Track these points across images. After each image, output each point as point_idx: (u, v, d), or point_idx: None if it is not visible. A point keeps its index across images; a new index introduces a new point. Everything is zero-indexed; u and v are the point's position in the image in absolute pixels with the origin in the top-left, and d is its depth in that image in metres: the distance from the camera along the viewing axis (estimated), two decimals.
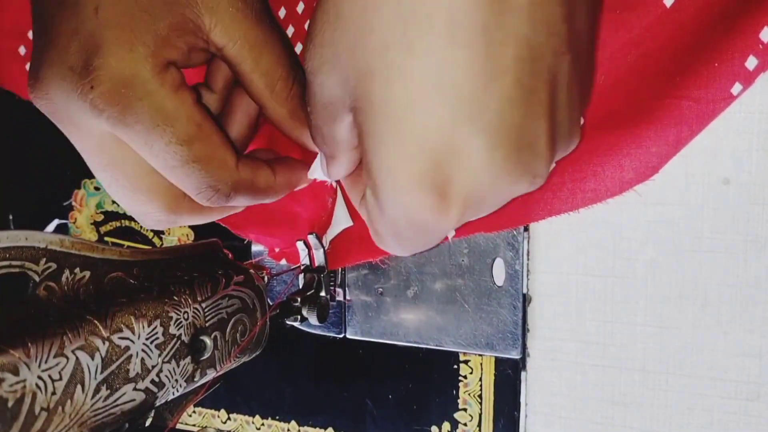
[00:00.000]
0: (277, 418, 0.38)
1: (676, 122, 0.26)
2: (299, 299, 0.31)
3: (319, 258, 0.32)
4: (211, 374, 0.24)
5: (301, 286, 0.32)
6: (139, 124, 0.25)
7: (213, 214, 0.30)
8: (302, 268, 0.33)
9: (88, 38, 0.25)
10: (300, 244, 0.32)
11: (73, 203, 0.42)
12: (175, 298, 0.22)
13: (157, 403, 0.22)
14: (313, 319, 0.31)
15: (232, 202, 0.28)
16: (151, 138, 0.25)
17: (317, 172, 0.31)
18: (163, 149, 0.26)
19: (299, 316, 0.31)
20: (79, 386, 0.18)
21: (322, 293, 0.32)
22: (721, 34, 0.25)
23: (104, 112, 0.25)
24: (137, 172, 0.27)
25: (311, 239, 0.32)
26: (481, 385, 0.33)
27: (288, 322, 0.32)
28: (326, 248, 0.33)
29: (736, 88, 0.25)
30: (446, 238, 0.30)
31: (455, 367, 0.33)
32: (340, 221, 0.33)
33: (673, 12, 0.26)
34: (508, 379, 0.32)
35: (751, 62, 0.24)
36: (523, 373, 0.32)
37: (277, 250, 0.35)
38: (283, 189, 0.31)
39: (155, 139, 0.25)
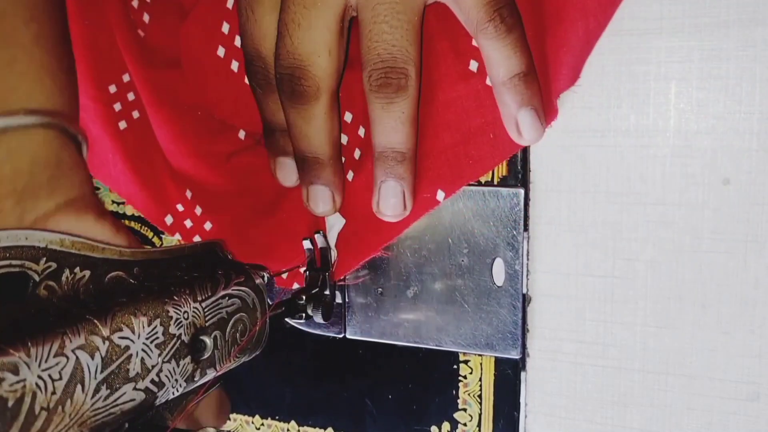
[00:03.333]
0: (277, 418, 0.38)
1: (582, 15, 0.26)
2: (304, 297, 0.31)
3: (323, 256, 0.32)
4: (211, 374, 0.24)
5: (305, 285, 0.32)
6: None
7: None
8: (306, 266, 0.33)
9: None
10: (306, 243, 0.32)
11: None
12: (175, 297, 0.22)
13: (157, 403, 0.22)
14: (317, 318, 0.31)
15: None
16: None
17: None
18: None
19: (304, 314, 0.31)
20: (79, 386, 0.18)
21: (327, 291, 0.32)
22: None
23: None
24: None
25: (317, 237, 0.32)
26: (480, 385, 0.33)
27: (289, 322, 0.32)
28: (333, 257, 0.33)
29: None
30: (437, 201, 0.30)
31: (455, 367, 0.33)
32: (334, 224, 0.33)
33: None
34: (508, 379, 0.32)
35: None
36: (522, 373, 0.32)
37: (284, 276, 0.35)
38: None
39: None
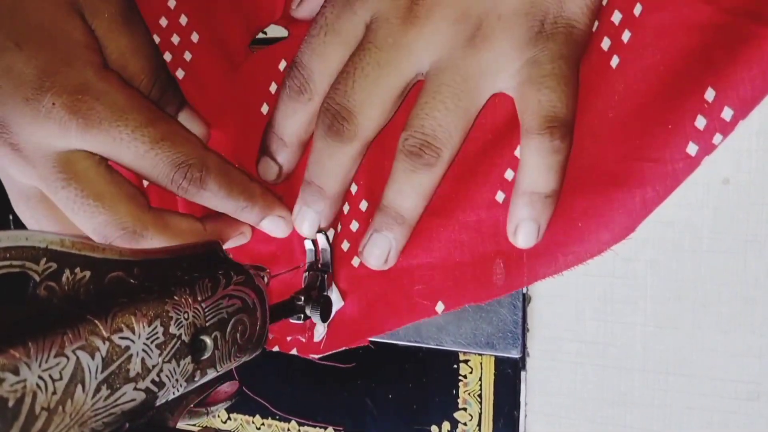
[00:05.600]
0: (277, 417, 0.38)
1: (640, 184, 0.26)
2: (303, 298, 0.31)
3: (324, 257, 0.32)
4: (211, 374, 0.24)
5: (304, 285, 0.32)
6: (104, 121, 0.28)
7: (178, 230, 0.31)
8: (306, 266, 0.33)
9: (25, 69, 0.27)
10: (308, 243, 0.32)
11: None
12: (176, 297, 0.22)
13: (158, 403, 0.22)
14: (316, 318, 0.31)
15: (207, 187, 0.29)
16: (117, 131, 0.28)
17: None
18: (131, 137, 0.28)
19: (302, 315, 0.31)
20: (79, 386, 0.18)
21: (326, 293, 0.32)
22: (671, 95, 0.26)
23: (72, 122, 0.27)
24: (100, 181, 0.29)
25: (319, 237, 0.32)
26: (480, 385, 0.33)
27: (292, 321, 0.32)
28: (324, 332, 0.34)
29: (692, 148, 0.25)
30: (435, 311, 0.31)
31: (455, 366, 0.33)
32: (333, 303, 0.33)
33: (619, 73, 0.27)
34: (508, 378, 0.32)
35: (700, 122, 0.25)
36: (523, 373, 0.32)
37: (288, 338, 0.35)
38: (258, 190, 0.32)
39: (121, 130, 0.28)
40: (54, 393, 0.17)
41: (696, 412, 0.30)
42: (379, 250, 0.30)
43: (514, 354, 0.32)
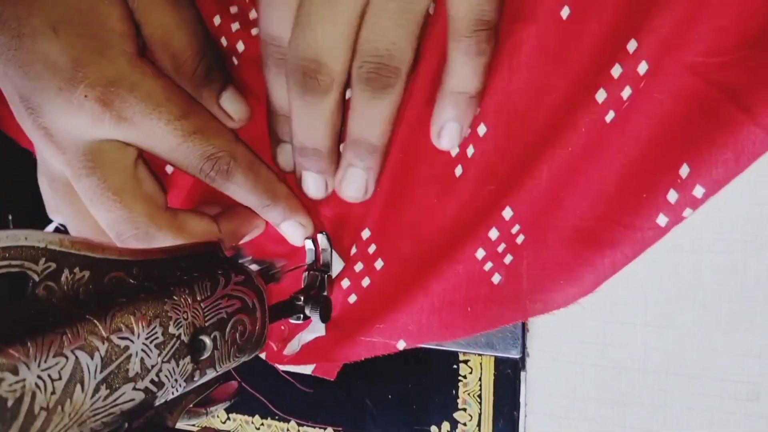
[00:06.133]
0: (277, 417, 0.38)
1: (611, 245, 0.27)
2: (302, 298, 0.31)
3: (324, 257, 0.32)
4: (210, 374, 0.24)
5: (304, 285, 0.32)
6: (138, 114, 0.27)
7: (193, 233, 0.30)
8: (306, 266, 0.33)
9: (60, 58, 0.27)
10: (308, 242, 0.32)
11: None
12: (175, 297, 0.22)
13: (157, 403, 0.22)
14: (316, 318, 0.31)
15: (234, 179, 0.30)
16: (151, 123, 0.28)
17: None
18: (164, 129, 0.28)
19: (302, 315, 0.31)
20: (78, 386, 0.18)
21: (326, 292, 0.32)
22: (648, 164, 0.26)
23: (105, 114, 0.27)
24: (123, 176, 0.29)
25: (320, 238, 0.32)
26: (480, 385, 0.33)
27: (292, 321, 0.32)
28: (298, 348, 0.34)
29: (662, 219, 0.25)
30: (397, 348, 0.31)
31: (455, 366, 0.33)
32: (315, 329, 0.33)
33: (608, 133, 0.27)
34: (508, 378, 0.32)
35: (672, 196, 0.25)
36: (522, 373, 0.32)
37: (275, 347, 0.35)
38: (283, 192, 0.32)
39: (155, 123, 0.28)
40: (53, 393, 0.17)
41: (696, 413, 0.30)
42: (357, 183, 0.30)
43: (514, 354, 0.32)
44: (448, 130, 0.29)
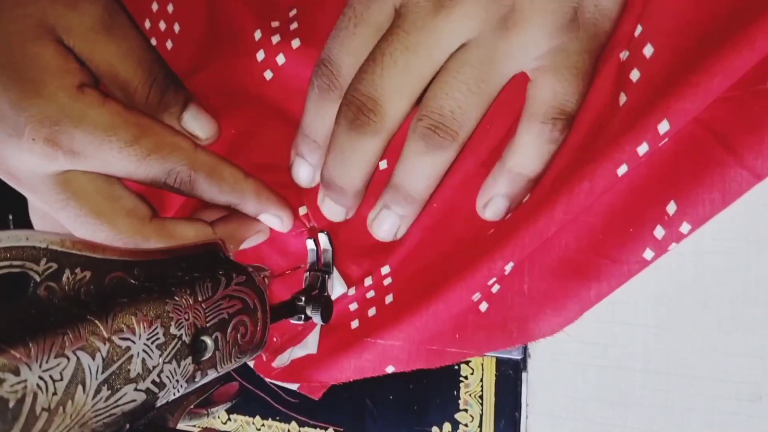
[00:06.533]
0: (278, 418, 0.38)
1: (596, 278, 0.27)
2: (303, 298, 0.31)
3: (326, 258, 0.32)
4: (212, 374, 0.24)
5: (305, 286, 0.32)
6: (89, 146, 0.27)
7: (184, 239, 0.31)
8: (307, 267, 0.33)
9: (2, 107, 0.27)
10: (309, 242, 0.32)
11: None
12: (176, 298, 0.22)
13: (158, 404, 0.22)
14: (317, 319, 0.31)
15: (197, 188, 0.30)
16: (104, 153, 0.28)
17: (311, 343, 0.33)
18: (118, 157, 0.28)
19: (303, 316, 0.31)
20: (80, 386, 0.18)
21: (327, 293, 0.32)
22: (637, 199, 0.26)
23: (57, 153, 0.27)
24: (97, 198, 0.29)
25: (322, 238, 0.32)
26: (482, 386, 0.33)
27: (292, 321, 0.32)
28: (287, 362, 0.34)
29: (648, 253, 0.26)
30: (385, 371, 0.32)
31: (456, 367, 0.33)
32: (308, 346, 0.33)
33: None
34: (509, 379, 0.32)
35: (659, 232, 0.25)
36: (524, 374, 0.32)
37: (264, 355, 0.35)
38: (249, 189, 0.31)
39: (107, 152, 0.28)
40: (54, 393, 0.17)
41: (697, 413, 0.30)
42: (388, 226, 0.30)
43: (515, 355, 0.32)
44: (495, 204, 0.28)
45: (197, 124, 0.32)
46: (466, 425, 0.33)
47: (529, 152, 0.27)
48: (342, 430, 0.37)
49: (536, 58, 0.26)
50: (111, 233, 0.29)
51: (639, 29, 0.26)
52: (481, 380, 0.33)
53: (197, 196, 0.30)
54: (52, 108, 0.27)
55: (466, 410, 0.33)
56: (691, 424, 0.30)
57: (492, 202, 0.28)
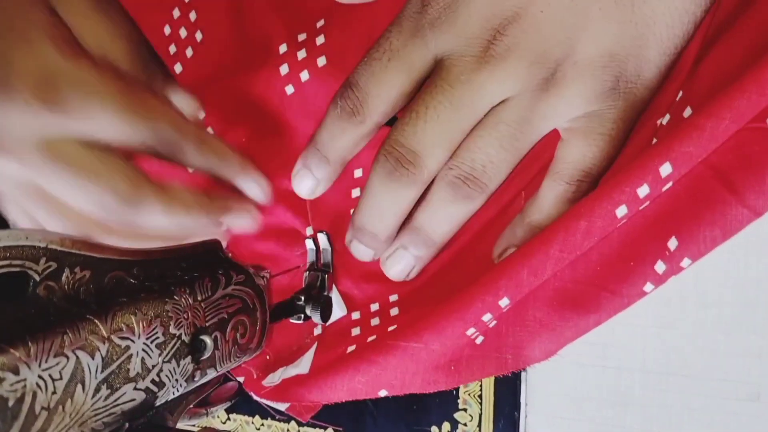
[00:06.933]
0: (277, 418, 0.38)
1: (595, 310, 0.27)
2: (303, 298, 0.31)
3: (325, 257, 0.32)
4: (211, 374, 0.24)
5: (305, 285, 0.32)
6: (79, 104, 0.27)
7: (181, 198, 0.30)
8: (306, 266, 0.33)
9: None
10: (308, 242, 0.32)
11: None
12: (176, 297, 0.22)
13: (158, 403, 0.22)
14: (316, 318, 0.31)
15: (185, 156, 0.30)
16: (94, 113, 0.27)
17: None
18: (110, 121, 0.27)
19: (302, 315, 0.31)
20: (79, 386, 0.18)
21: (326, 292, 0.32)
22: (638, 233, 0.26)
23: (44, 109, 0.26)
24: (92, 158, 0.28)
25: (321, 237, 0.32)
26: (481, 385, 0.33)
27: (292, 321, 0.32)
28: (278, 381, 0.33)
29: (648, 287, 0.26)
30: (378, 395, 0.31)
31: None
32: (301, 366, 0.33)
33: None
34: (508, 379, 0.32)
35: (660, 267, 0.25)
36: (523, 373, 0.32)
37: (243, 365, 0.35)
38: (232, 154, 0.31)
39: (98, 112, 0.27)
40: (54, 393, 0.17)
41: (696, 413, 0.30)
42: (402, 266, 0.30)
43: None
44: (511, 254, 0.28)
45: (181, 102, 0.33)
46: (465, 425, 0.33)
47: (550, 211, 0.27)
48: (341, 429, 0.37)
49: (571, 120, 0.26)
50: (108, 187, 0.28)
51: (680, 94, 0.26)
52: (481, 380, 0.33)
53: (181, 161, 0.30)
54: (42, 63, 0.26)
55: (465, 410, 0.33)
56: (691, 424, 0.30)
57: (507, 253, 0.28)
